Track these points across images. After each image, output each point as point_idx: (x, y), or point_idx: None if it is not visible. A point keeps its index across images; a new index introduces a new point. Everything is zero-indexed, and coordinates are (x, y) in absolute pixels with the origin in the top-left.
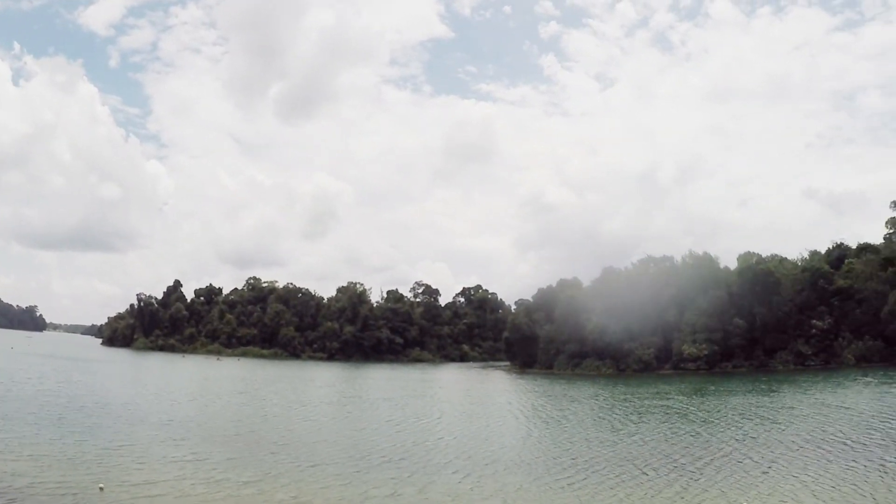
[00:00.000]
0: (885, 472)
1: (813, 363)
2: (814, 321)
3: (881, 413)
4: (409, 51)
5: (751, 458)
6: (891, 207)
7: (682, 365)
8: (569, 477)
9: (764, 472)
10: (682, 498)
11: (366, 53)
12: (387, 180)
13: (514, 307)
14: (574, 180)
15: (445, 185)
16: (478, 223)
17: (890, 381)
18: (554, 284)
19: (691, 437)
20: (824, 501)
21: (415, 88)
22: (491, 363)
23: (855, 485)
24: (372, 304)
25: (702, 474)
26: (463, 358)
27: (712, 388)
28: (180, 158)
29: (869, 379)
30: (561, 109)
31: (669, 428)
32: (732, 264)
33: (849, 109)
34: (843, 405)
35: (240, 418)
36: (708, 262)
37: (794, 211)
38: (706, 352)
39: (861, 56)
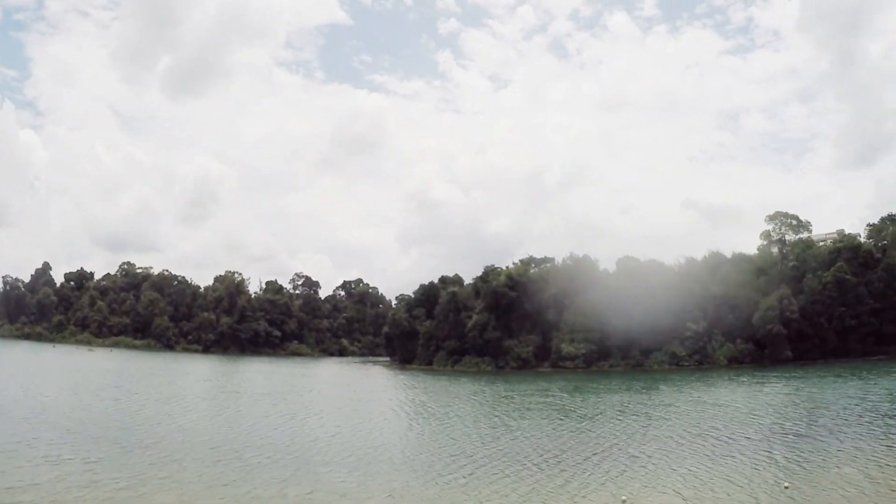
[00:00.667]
0: (765, 464)
1: (687, 363)
2: (688, 324)
3: (755, 410)
4: (306, 34)
5: (640, 452)
6: (766, 221)
7: (560, 363)
8: (466, 475)
9: (652, 465)
10: (580, 493)
11: (261, 32)
12: (272, 166)
13: (394, 302)
14: (461, 178)
15: (331, 174)
16: (361, 215)
17: (761, 380)
18: (435, 281)
19: (578, 433)
20: (706, 492)
21: (307, 74)
22: (370, 358)
23: (736, 475)
24: (250, 295)
25: (597, 468)
26: (342, 352)
27: (592, 385)
28: (57, 129)
29: (743, 378)
30: (453, 106)
31: (556, 424)
32: (612, 268)
33: (732, 128)
34: (718, 402)
35: (116, 415)
36: (588, 264)
37: (673, 220)
38: (584, 351)
39: (748, 79)
